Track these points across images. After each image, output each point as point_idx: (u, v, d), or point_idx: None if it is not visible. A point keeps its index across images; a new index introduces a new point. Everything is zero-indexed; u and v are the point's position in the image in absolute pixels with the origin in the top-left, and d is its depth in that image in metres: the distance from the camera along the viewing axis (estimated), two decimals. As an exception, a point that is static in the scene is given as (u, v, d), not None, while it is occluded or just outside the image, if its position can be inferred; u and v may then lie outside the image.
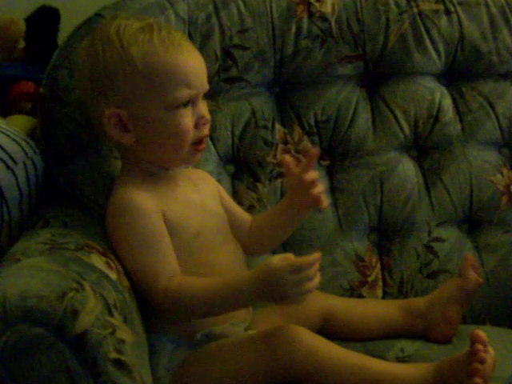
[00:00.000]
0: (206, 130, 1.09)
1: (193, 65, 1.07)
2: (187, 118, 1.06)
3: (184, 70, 1.06)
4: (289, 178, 1.13)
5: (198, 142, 1.09)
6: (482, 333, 0.99)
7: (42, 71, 1.24)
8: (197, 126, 1.08)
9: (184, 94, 1.06)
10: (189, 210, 1.11)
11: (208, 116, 1.09)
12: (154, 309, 1.04)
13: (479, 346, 0.97)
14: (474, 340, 0.98)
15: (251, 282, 0.99)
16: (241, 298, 1.00)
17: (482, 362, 0.96)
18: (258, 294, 0.98)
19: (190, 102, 1.07)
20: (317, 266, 0.97)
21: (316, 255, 0.97)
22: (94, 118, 1.11)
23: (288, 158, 1.12)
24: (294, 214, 1.15)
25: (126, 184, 1.08)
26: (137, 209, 1.05)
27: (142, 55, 1.05)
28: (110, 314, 0.84)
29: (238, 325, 1.09)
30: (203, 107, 1.09)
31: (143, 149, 1.09)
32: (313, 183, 1.10)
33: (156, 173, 1.11)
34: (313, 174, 1.10)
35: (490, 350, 0.99)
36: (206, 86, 1.10)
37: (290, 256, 0.98)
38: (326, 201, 1.12)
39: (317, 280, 0.97)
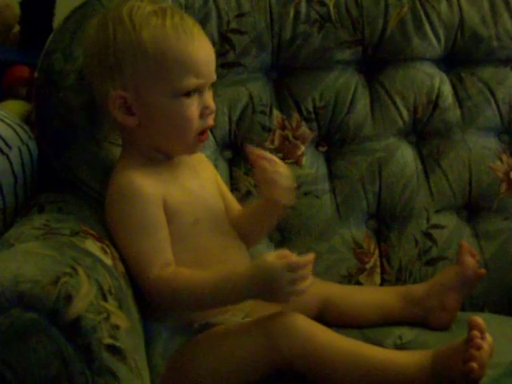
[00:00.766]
0: (210, 121, 1.08)
1: (203, 54, 1.06)
2: (192, 107, 1.06)
3: (194, 59, 1.05)
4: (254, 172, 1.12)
5: (202, 131, 1.08)
6: (479, 319, 0.98)
7: (36, 56, 1.23)
8: (201, 115, 1.07)
9: (191, 82, 1.05)
10: (188, 197, 1.10)
11: (213, 106, 1.08)
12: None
13: (476, 333, 0.96)
14: (472, 326, 0.98)
15: (246, 277, 0.98)
16: (234, 293, 0.99)
17: (478, 348, 0.96)
18: (252, 290, 0.98)
19: (197, 91, 1.06)
20: (310, 267, 0.98)
21: (311, 256, 0.98)
22: (98, 97, 1.10)
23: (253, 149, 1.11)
24: (268, 210, 1.14)
25: (127, 167, 1.07)
26: (137, 193, 1.04)
27: (153, 39, 1.04)
28: (105, 300, 0.83)
29: (236, 315, 1.09)
30: (209, 97, 1.08)
31: (146, 133, 1.08)
32: (274, 178, 1.08)
33: (157, 158, 1.10)
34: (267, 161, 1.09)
35: (488, 336, 0.98)
36: (214, 76, 1.09)
37: (286, 253, 0.98)
38: (289, 198, 1.10)
39: (309, 281, 0.98)
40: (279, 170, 1.09)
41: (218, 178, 1.20)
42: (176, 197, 1.08)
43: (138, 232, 1.04)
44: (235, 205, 1.20)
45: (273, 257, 0.98)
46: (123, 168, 1.08)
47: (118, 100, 1.06)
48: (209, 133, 1.27)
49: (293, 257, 0.98)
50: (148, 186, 1.05)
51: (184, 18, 1.07)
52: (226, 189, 1.21)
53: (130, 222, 1.04)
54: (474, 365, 0.94)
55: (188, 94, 1.05)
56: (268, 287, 0.97)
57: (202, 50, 1.06)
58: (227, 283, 0.99)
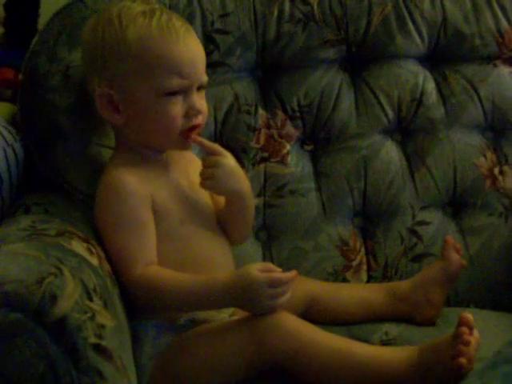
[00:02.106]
0: (195, 120, 1.08)
1: (188, 55, 1.07)
2: (175, 107, 1.06)
3: (178, 59, 1.05)
4: None
5: (188, 130, 1.08)
6: (469, 316, 0.98)
7: (21, 58, 1.23)
8: (186, 115, 1.07)
9: (175, 82, 1.06)
10: (176, 196, 1.11)
11: (200, 107, 1.08)
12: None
13: (464, 329, 0.97)
14: (461, 322, 0.98)
15: (228, 286, 1.00)
16: (213, 299, 1.01)
17: (467, 344, 0.96)
18: (232, 299, 1.00)
19: (182, 92, 1.07)
20: (292, 284, 1.00)
21: (294, 272, 1.01)
22: (90, 95, 1.12)
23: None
24: (230, 205, 1.15)
25: (117, 166, 1.08)
26: (126, 191, 1.05)
27: (138, 38, 1.05)
28: (90, 299, 0.83)
29: (222, 312, 1.09)
30: (197, 98, 1.08)
31: (133, 131, 1.09)
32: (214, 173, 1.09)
33: (147, 156, 1.11)
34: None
35: (475, 332, 0.99)
36: (203, 78, 1.09)
37: (270, 267, 1.01)
38: (204, 181, 1.10)
39: (288, 296, 1.00)
40: (223, 162, 1.09)
41: None
42: (164, 196, 1.09)
43: (125, 229, 1.04)
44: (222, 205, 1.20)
45: (256, 269, 1.00)
46: (113, 167, 1.09)
47: (104, 98, 1.07)
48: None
49: (276, 272, 1.00)
50: (137, 185, 1.06)
51: (172, 19, 1.08)
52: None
53: (117, 219, 1.05)
54: (463, 360, 0.95)
55: (172, 93, 1.06)
56: (247, 299, 1.00)
57: (187, 51, 1.07)
58: (208, 289, 1.01)
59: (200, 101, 1.09)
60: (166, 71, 1.05)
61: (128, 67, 1.06)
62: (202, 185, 1.10)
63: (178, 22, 1.08)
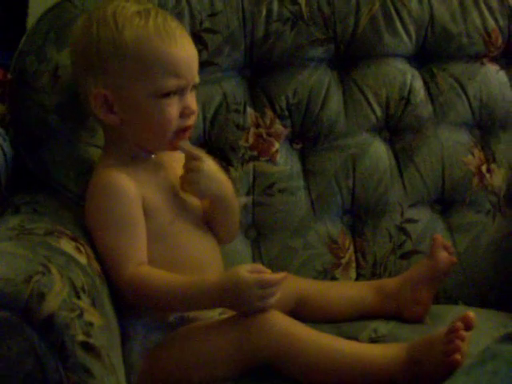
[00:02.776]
0: (189, 121, 1.09)
1: (184, 55, 1.07)
2: (172, 107, 1.07)
3: (175, 60, 1.06)
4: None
5: (181, 130, 1.09)
6: (473, 314, 0.99)
7: (10, 57, 1.23)
8: (181, 115, 1.08)
9: (172, 83, 1.06)
10: (166, 196, 1.11)
11: (194, 107, 1.09)
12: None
13: (460, 324, 0.97)
14: (460, 318, 0.98)
15: (218, 287, 1.01)
16: (204, 300, 1.02)
17: (463, 339, 0.97)
18: (222, 300, 1.01)
19: (178, 92, 1.07)
20: (281, 285, 1.01)
21: (283, 274, 1.02)
22: (81, 95, 1.12)
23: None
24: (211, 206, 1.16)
25: (108, 166, 1.09)
26: (118, 190, 1.06)
27: (135, 39, 1.05)
28: (78, 297, 0.83)
29: (213, 310, 1.09)
30: (190, 98, 1.09)
31: (128, 131, 1.09)
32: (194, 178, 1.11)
33: (138, 156, 1.11)
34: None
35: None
36: (196, 78, 1.10)
37: (259, 268, 1.02)
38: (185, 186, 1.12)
39: (277, 297, 1.01)
40: (203, 167, 1.11)
41: None
42: (154, 196, 1.10)
43: (116, 228, 1.05)
44: None
45: (246, 270, 1.00)
46: (104, 166, 1.09)
47: (100, 98, 1.07)
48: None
49: (266, 273, 1.01)
50: (128, 185, 1.07)
51: (167, 20, 1.08)
52: None
53: (108, 218, 1.05)
54: (458, 356, 0.95)
55: (168, 94, 1.06)
56: (236, 299, 1.00)
57: (183, 52, 1.07)
58: (198, 290, 1.02)
59: (193, 101, 1.10)
60: (164, 72, 1.06)
61: (125, 68, 1.06)
62: (183, 188, 1.12)
63: (173, 23, 1.09)
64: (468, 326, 0.98)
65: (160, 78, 1.05)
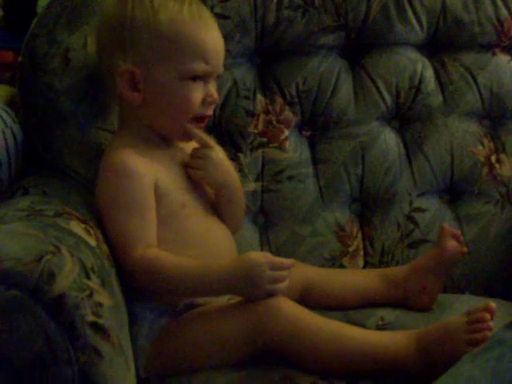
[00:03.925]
0: (209, 110, 1.11)
1: (215, 43, 1.10)
2: (196, 92, 1.09)
3: (205, 45, 1.08)
4: None
5: (199, 118, 1.10)
6: (494, 305, 0.99)
7: (20, 40, 1.23)
8: (203, 102, 1.10)
9: (200, 67, 1.08)
10: (178, 181, 1.12)
11: (216, 96, 1.11)
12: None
13: (487, 315, 0.97)
14: (484, 309, 0.98)
15: (229, 269, 1.01)
16: (214, 283, 1.01)
17: (491, 330, 0.97)
18: (233, 283, 1.01)
19: (203, 78, 1.09)
20: (289, 272, 1.02)
21: (292, 260, 1.03)
22: (105, 70, 1.12)
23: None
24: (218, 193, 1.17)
25: (121, 146, 1.09)
26: (130, 172, 1.06)
27: (170, 21, 1.07)
28: (88, 278, 0.83)
29: (221, 296, 1.09)
30: (213, 87, 1.11)
31: (147, 112, 1.10)
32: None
33: (151, 140, 1.12)
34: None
35: None
36: (221, 69, 1.12)
37: (269, 254, 1.02)
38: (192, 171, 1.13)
39: (286, 283, 1.01)
40: (211, 155, 1.12)
41: None
42: (167, 179, 1.10)
43: (127, 209, 1.05)
44: None
45: (257, 253, 1.02)
46: (117, 147, 1.09)
47: (127, 75, 1.08)
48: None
49: (276, 257, 1.01)
50: (141, 166, 1.07)
51: (201, 8, 1.11)
52: None
53: (120, 199, 1.05)
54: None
55: (194, 78, 1.08)
56: (249, 281, 1.00)
57: (213, 40, 1.10)
58: (208, 273, 1.01)
59: (215, 90, 1.12)
60: (193, 55, 1.07)
61: (157, 47, 1.07)
62: (191, 174, 1.12)
63: (207, 13, 1.12)
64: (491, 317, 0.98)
65: (189, 60, 1.07)
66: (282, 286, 1.01)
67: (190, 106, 1.09)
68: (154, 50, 1.07)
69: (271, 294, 1.01)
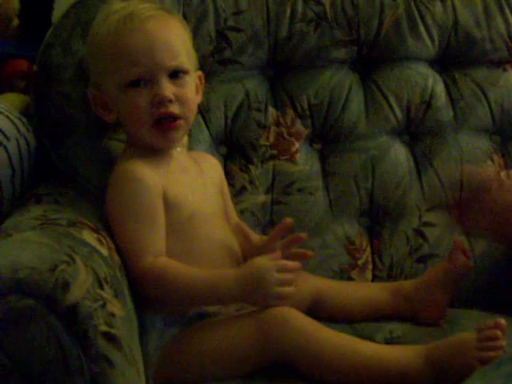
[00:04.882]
0: (163, 109, 1.06)
1: (144, 42, 1.06)
2: (139, 97, 1.07)
3: (131, 49, 1.06)
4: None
5: (161, 120, 1.07)
6: (504, 322, 0.99)
7: (35, 49, 1.24)
8: (152, 104, 1.07)
9: (131, 72, 1.07)
10: (187, 190, 1.12)
11: (164, 93, 1.06)
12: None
13: (499, 333, 0.98)
14: (496, 326, 0.98)
15: (237, 276, 1.01)
16: (224, 290, 1.02)
17: (502, 348, 0.97)
18: (242, 289, 1.01)
19: (146, 81, 1.07)
20: (297, 276, 1.03)
21: (298, 263, 1.03)
22: None
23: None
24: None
25: (131, 158, 1.10)
26: (139, 182, 1.06)
27: (102, 36, 1.09)
28: (101, 288, 0.84)
29: (230, 305, 1.10)
30: (167, 85, 1.06)
31: (125, 128, 1.13)
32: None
33: (158, 150, 1.12)
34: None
35: None
36: (171, 63, 1.07)
37: (276, 255, 1.02)
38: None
39: (293, 289, 1.02)
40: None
41: (223, 184, 1.22)
42: (175, 189, 1.10)
43: (136, 219, 1.05)
44: (234, 216, 1.22)
45: (263, 258, 1.02)
46: (127, 158, 1.10)
47: (94, 98, 1.12)
48: (202, 125, 1.31)
49: (283, 260, 1.02)
50: (150, 176, 1.07)
51: (137, 9, 1.08)
52: (228, 198, 1.23)
53: (130, 208, 1.06)
54: None
55: (136, 84, 1.07)
56: (257, 285, 1.00)
57: (142, 39, 1.06)
58: (218, 280, 1.02)
59: (176, 88, 1.08)
60: (122, 62, 1.07)
61: (97, 66, 1.11)
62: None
63: (143, 11, 1.08)
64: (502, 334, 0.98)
65: (120, 68, 1.07)
66: (289, 290, 1.01)
67: (138, 112, 1.07)
68: (99, 69, 1.10)
69: (280, 298, 1.01)
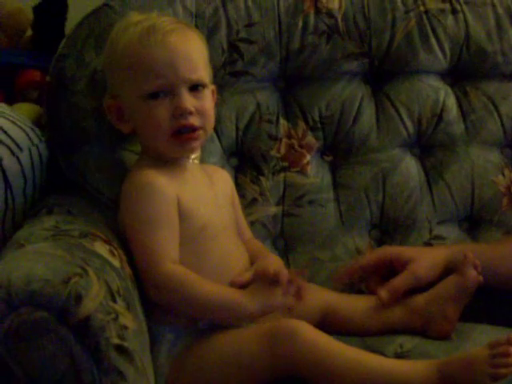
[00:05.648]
0: (183, 121, 1.08)
1: (165, 55, 1.08)
2: (160, 108, 1.07)
3: (152, 61, 1.07)
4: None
5: (179, 131, 1.08)
6: None
7: (48, 60, 1.25)
8: (173, 115, 1.08)
9: (154, 83, 1.07)
10: (199, 201, 1.12)
11: (185, 106, 1.07)
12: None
13: (511, 349, 0.97)
14: (509, 343, 0.98)
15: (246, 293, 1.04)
16: (234, 306, 1.04)
17: None
18: (253, 303, 1.03)
19: (166, 93, 1.08)
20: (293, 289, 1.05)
21: (286, 275, 1.04)
22: None
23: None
24: None
25: (145, 167, 1.10)
26: (155, 190, 1.07)
27: (123, 47, 1.10)
28: (114, 300, 0.84)
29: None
30: (187, 97, 1.08)
31: (140, 138, 1.14)
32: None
33: (171, 161, 1.12)
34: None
35: None
36: (191, 76, 1.08)
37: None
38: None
39: (291, 301, 1.04)
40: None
41: (234, 197, 1.22)
42: (188, 200, 1.10)
43: (153, 225, 1.05)
44: (246, 230, 1.23)
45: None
46: (141, 167, 1.11)
47: (112, 108, 1.12)
48: (213, 137, 1.31)
49: (286, 271, 1.03)
50: (165, 185, 1.08)
51: (159, 21, 1.10)
52: (239, 211, 1.23)
53: (145, 215, 1.06)
54: None
55: (155, 96, 1.08)
56: (261, 294, 1.02)
57: (164, 52, 1.08)
58: (232, 294, 1.04)
59: (196, 101, 1.09)
60: (144, 74, 1.08)
61: (118, 77, 1.11)
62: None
63: (165, 24, 1.10)
64: None
65: (143, 80, 1.08)
66: (292, 300, 1.04)
67: (158, 124, 1.08)
68: (118, 79, 1.11)
69: (284, 307, 1.04)
